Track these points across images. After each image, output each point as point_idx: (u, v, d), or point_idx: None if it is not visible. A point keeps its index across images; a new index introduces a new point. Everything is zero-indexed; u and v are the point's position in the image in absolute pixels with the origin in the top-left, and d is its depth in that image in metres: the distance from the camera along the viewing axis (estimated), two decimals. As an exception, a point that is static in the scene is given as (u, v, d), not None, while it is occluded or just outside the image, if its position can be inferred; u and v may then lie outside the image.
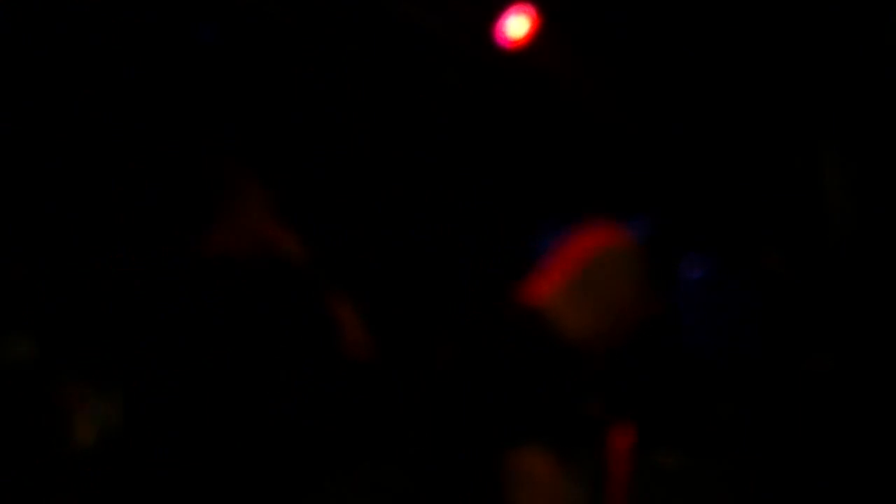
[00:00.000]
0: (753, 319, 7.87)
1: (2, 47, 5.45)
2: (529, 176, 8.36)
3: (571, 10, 6.89)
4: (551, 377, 2.26)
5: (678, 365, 8.47)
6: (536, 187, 8.38)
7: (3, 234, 5.38)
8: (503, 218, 8.46)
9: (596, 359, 2.47)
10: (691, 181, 7.93)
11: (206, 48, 6.71)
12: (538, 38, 6.86)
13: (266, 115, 7.51)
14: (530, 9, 6.66)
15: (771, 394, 6.53)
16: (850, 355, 5.96)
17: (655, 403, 7.44)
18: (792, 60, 6.90)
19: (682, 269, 9.39)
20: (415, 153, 8.41)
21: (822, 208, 7.21)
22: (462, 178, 8.30)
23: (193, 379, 2.31)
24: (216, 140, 7.07)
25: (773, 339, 6.78)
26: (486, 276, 8.69)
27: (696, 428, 7.47)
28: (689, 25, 6.85)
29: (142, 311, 3.22)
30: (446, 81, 7.86)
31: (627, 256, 2.34)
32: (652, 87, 7.40)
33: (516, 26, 6.66)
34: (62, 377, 4.73)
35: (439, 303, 8.08)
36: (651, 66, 7.25)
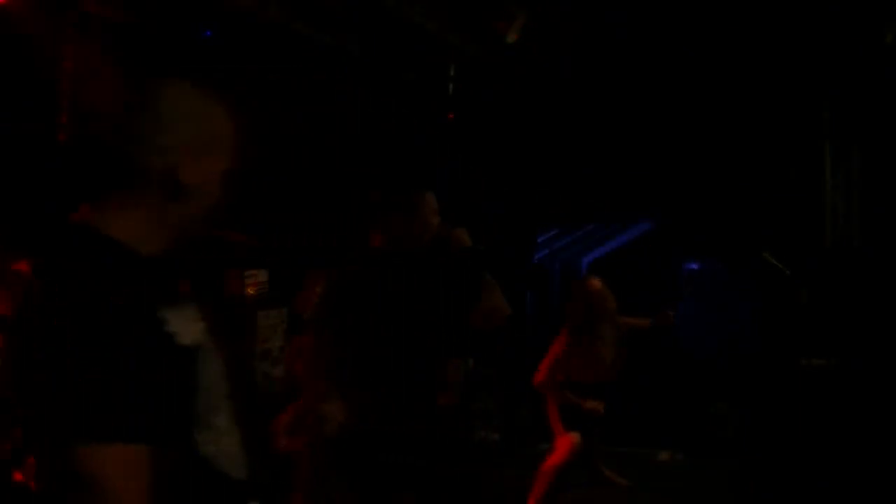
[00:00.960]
0: (753, 319, 7.87)
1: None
2: (532, 179, 8.35)
3: (571, 10, 6.88)
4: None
5: (678, 365, 8.46)
6: (538, 190, 8.37)
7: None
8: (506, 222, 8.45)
9: None
10: (692, 182, 7.92)
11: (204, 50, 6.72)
12: (535, 38, 6.87)
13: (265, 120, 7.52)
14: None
15: (770, 393, 6.52)
16: (850, 355, 5.96)
17: (655, 403, 7.43)
18: (792, 61, 6.90)
19: (683, 269, 9.38)
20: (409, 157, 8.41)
21: (822, 208, 7.21)
22: (464, 182, 8.31)
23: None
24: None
25: (772, 339, 6.78)
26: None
27: (695, 427, 7.47)
28: (690, 26, 6.85)
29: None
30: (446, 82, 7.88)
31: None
32: (652, 88, 7.39)
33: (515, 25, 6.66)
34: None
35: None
36: (652, 67, 7.24)
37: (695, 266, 9.27)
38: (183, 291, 1.56)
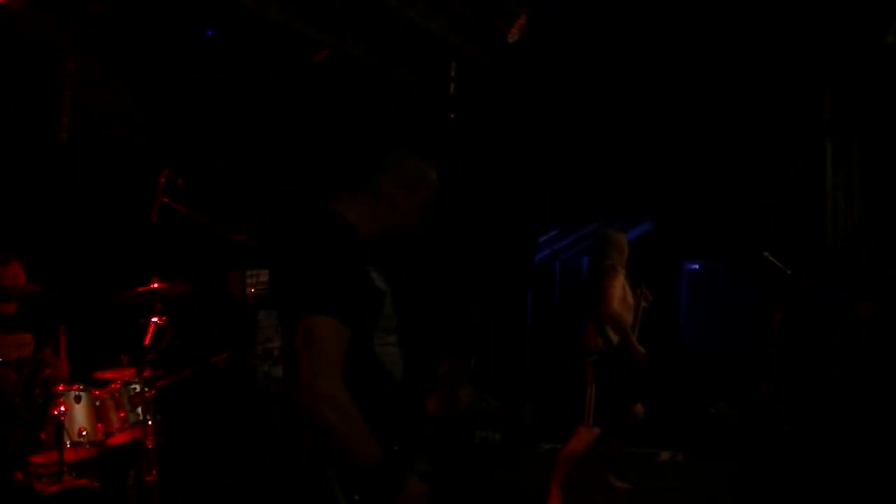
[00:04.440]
0: (753, 319, 7.87)
1: None
2: (533, 179, 8.35)
3: (572, 9, 6.88)
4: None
5: (678, 365, 8.46)
6: (539, 190, 8.37)
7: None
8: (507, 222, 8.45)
9: None
10: (692, 182, 7.93)
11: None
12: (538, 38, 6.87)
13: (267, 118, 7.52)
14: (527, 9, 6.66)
15: (769, 393, 6.52)
16: (849, 355, 5.96)
17: (655, 403, 7.43)
18: (793, 61, 6.90)
19: (683, 269, 9.39)
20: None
21: (823, 208, 7.21)
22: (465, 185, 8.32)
23: None
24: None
25: (771, 338, 6.78)
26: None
27: (695, 427, 7.47)
28: (691, 26, 6.85)
29: None
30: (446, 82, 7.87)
31: None
32: (653, 88, 7.39)
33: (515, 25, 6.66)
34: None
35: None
36: (652, 67, 7.24)
37: (695, 266, 9.28)
38: (379, 262, 2.48)
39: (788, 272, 6.06)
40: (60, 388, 4.52)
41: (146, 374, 4.80)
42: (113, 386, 4.73)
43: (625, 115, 7.70)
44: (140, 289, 4.81)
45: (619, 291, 5.17)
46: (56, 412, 4.42)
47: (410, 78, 7.61)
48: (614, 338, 5.18)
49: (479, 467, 6.88)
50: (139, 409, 4.71)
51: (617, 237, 5.48)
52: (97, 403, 4.61)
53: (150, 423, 4.67)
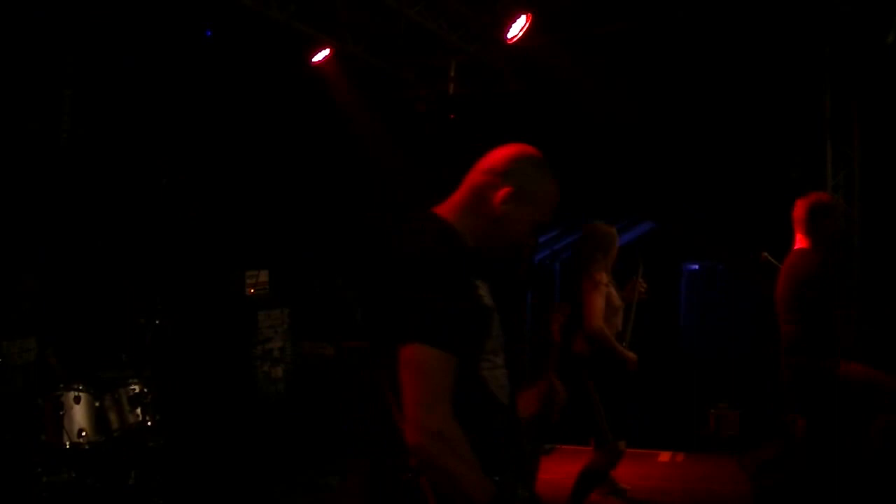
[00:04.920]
0: (753, 320, 7.86)
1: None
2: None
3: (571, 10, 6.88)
4: None
5: (678, 365, 8.46)
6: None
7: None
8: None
9: None
10: (692, 183, 7.92)
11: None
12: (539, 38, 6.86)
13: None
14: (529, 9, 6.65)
15: (769, 393, 6.52)
16: (849, 354, 5.95)
17: (655, 403, 7.42)
18: (794, 61, 6.89)
19: (683, 269, 9.38)
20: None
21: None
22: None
23: None
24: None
25: (771, 338, 6.77)
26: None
27: (695, 427, 7.46)
28: (692, 26, 6.84)
29: None
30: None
31: None
32: (653, 88, 7.39)
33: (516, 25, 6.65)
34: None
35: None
36: (653, 67, 7.24)
37: (695, 266, 9.27)
38: (486, 275, 2.25)
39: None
40: (60, 388, 4.52)
41: (146, 374, 4.80)
42: (113, 386, 4.73)
43: (625, 115, 7.69)
44: (141, 288, 4.80)
45: (602, 302, 5.05)
46: (56, 412, 4.42)
47: (410, 78, 7.61)
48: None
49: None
50: (139, 409, 4.71)
51: (603, 234, 5.33)
52: (97, 403, 4.61)
53: (149, 423, 4.67)
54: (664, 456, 6.99)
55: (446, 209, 2.35)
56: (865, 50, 6.61)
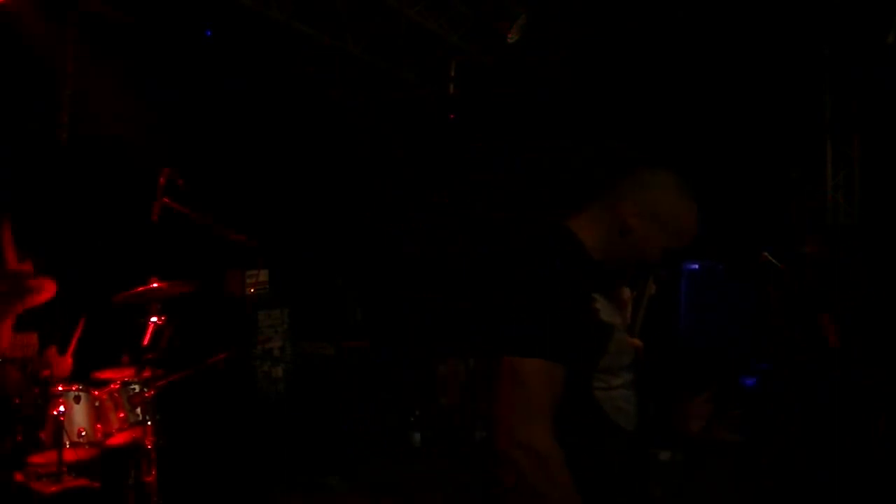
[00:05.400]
0: (752, 319, 7.86)
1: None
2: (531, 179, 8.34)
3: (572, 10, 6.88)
4: None
5: (678, 365, 8.44)
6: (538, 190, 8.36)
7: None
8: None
9: None
10: (693, 182, 7.91)
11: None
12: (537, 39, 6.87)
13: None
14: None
15: (767, 393, 6.52)
16: (849, 355, 5.96)
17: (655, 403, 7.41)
18: (794, 61, 6.89)
19: (683, 269, 9.37)
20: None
21: (824, 208, 7.21)
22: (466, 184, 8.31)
23: None
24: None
25: (771, 338, 6.78)
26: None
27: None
28: (692, 26, 6.84)
29: None
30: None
31: None
32: (653, 88, 7.39)
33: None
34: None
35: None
36: (653, 67, 7.24)
37: (695, 266, 9.26)
38: (616, 291, 2.15)
39: (784, 272, 6.06)
40: (60, 388, 4.51)
41: (146, 374, 4.80)
42: (112, 386, 4.72)
43: (626, 116, 7.69)
44: (140, 289, 4.80)
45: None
46: (56, 412, 4.41)
47: (410, 78, 7.61)
48: None
49: (479, 467, 6.88)
50: (139, 410, 4.71)
51: None
52: (97, 404, 4.61)
53: (149, 423, 4.67)
54: (664, 456, 6.99)
55: (575, 218, 2.18)
56: (865, 50, 6.62)
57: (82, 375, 4.84)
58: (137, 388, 4.77)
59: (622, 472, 2.07)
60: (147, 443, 4.58)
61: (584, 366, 1.99)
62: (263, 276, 6.98)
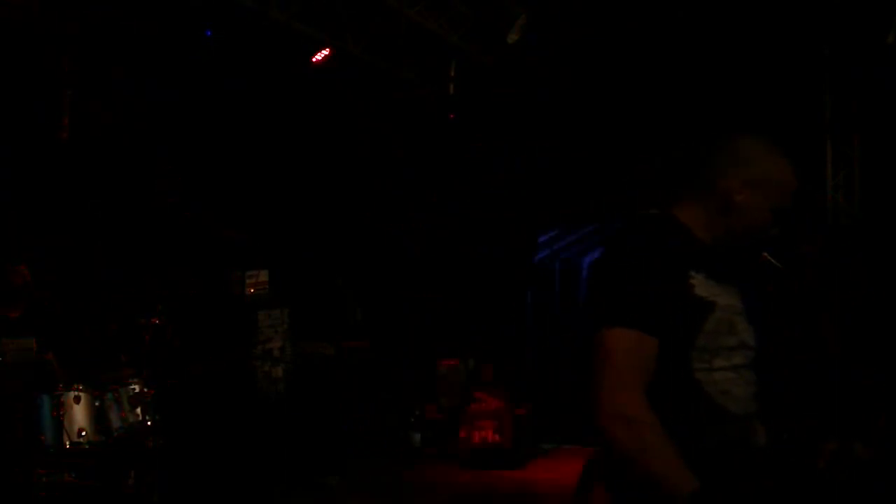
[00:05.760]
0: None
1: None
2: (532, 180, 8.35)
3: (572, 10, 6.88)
4: None
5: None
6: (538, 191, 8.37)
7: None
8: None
9: None
10: (690, 183, 7.92)
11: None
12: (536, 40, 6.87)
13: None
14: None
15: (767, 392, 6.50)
16: (849, 355, 5.96)
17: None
18: (794, 61, 6.89)
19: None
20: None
21: (824, 208, 7.21)
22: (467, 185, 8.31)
23: None
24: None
25: (771, 338, 6.76)
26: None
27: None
28: (692, 26, 6.85)
29: None
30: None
31: None
32: (653, 88, 7.39)
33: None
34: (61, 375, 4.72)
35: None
36: (653, 67, 7.24)
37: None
38: (720, 270, 2.09)
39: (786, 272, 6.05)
40: (60, 388, 4.52)
41: (146, 374, 4.80)
42: (113, 386, 4.72)
43: (625, 115, 7.69)
44: (139, 289, 4.80)
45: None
46: (56, 412, 4.42)
47: (410, 78, 7.61)
48: None
49: (478, 468, 6.88)
50: (139, 409, 4.71)
51: None
52: (97, 403, 4.61)
53: (149, 423, 4.67)
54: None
55: (678, 205, 2.17)
56: (865, 50, 6.62)
57: (83, 375, 4.84)
58: (137, 387, 4.77)
59: (728, 458, 2.00)
60: (147, 443, 4.58)
61: (679, 342, 1.96)
62: (263, 276, 6.98)
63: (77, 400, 4.52)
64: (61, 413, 4.41)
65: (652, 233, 2.07)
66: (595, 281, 2.08)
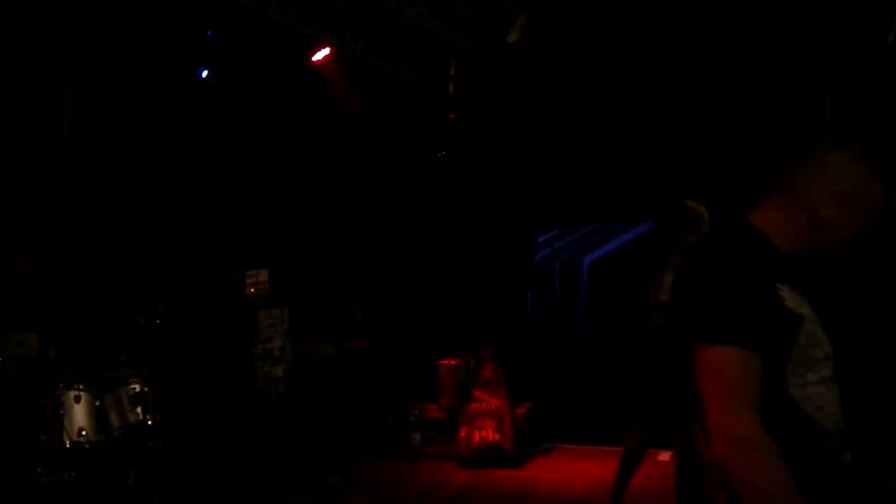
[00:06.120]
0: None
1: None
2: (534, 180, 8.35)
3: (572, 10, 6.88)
4: None
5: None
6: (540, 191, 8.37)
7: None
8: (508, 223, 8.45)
9: None
10: (693, 182, 7.92)
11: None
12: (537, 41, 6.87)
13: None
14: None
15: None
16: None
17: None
18: (793, 61, 6.90)
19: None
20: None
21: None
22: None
23: None
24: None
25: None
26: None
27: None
28: (692, 26, 6.85)
29: None
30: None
31: None
32: (653, 89, 7.39)
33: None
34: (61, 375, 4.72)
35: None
36: (653, 68, 7.24)
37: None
38: (797, 282, 2.04)
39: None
40: (60, 388, 4.52)
41: (146, 373, 4.80)
42: (113, 386, 4.73)
43: (625, 115, 7.69)
44: (139, 288, 4.81)
45: (670, 280, 5.19)
46: (56, 412, 4.42)
47: (410, 78, 7.61)
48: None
49: (478, 467, 6.88)
50: (139, 409, 4.71)
51: (692, 213, 5.37)
52: (97, 403, 4.62)
53: (149, 422, 4.67)
54: (664, 455, 6.99)
55: (757, 211, 2.13)
56: (865, 50, 6.61)
57: (83, 375, 4.85)
58: (137, 387, 4.78)
59: (830, 476, 1.95)
60: (147, 442, 4.58)
61: (777, 358, 1.92)
62: (263, 276, 6.99)
63: (77, 399, 4.53)
64: (61, 412, 4.41)
65: (740, 244, 2.04)
66: (688, 294, 2.02)
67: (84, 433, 4.49)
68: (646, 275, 5.58)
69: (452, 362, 7.76)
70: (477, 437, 7.07)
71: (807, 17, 6.61)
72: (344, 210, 8.20)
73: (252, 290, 6.88)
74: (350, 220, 8.24)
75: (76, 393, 4.53)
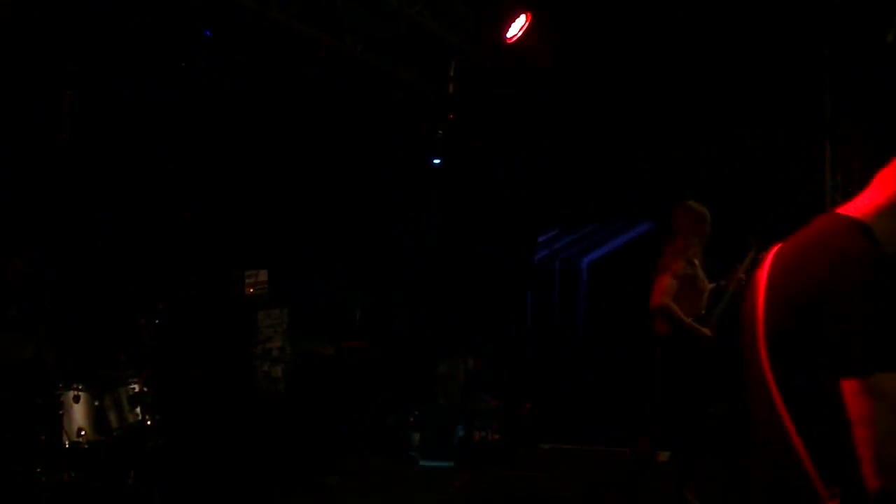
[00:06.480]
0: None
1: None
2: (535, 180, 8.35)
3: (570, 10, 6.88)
4: None
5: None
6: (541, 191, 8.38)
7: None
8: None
9: None
10: (692, 183, 7.93)
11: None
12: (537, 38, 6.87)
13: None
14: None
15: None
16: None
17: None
18: (793, 61, 6.90)
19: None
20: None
21: (823, 208, 7.20)
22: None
23: None
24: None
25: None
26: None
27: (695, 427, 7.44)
28: (692, 26, 6.85)
29: None
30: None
31: None
32: (653, 89, 7.39)
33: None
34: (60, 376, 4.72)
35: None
36: (653, 68, 7.24)
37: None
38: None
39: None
40: (59, 388, 4.52)
41: (146, 374, 4.80)
42: (112, 386, 4.73)
43: (625, 115, 7.69)
44: (139, 288, 4.81)
45: (669, 282, 5.18)
46: (55, 412, 4.42)
47: (410, 78, 7.61)
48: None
49: (479, 467, 6.88)
50: (138, 409, 4.71)
51: (694, 214, 5.39)
52: (96, 403, 4.61)
53: (149, 422, 4.67)
54: (664, 456, 6.99)
55: (858, 210, 2.01)
56: (865, 50, 6.62)
57: (82, 375, 4.84)
58: (137, 387, 4.77)
59: None
60: (147, 443, 4.58)
61: None
62: (263, 276, 6.98)
63: (76, 399, 4.53)
64: (60, 413, 4.41)
65: (869, 249, 1.90)
66: (834, 311, 1.85)
67: (83, 433, 4.49)
68: (646, 276, 5.58)
69: (452, 362, 7.76)
70: (477, 437, 7.07)
71: (807, 17, 6.61)
72: (344, 210, 8.20)
73: (252, 290, 6.88)
74: (350, 220, 8.24)
75: (75, 393, 4.53)
